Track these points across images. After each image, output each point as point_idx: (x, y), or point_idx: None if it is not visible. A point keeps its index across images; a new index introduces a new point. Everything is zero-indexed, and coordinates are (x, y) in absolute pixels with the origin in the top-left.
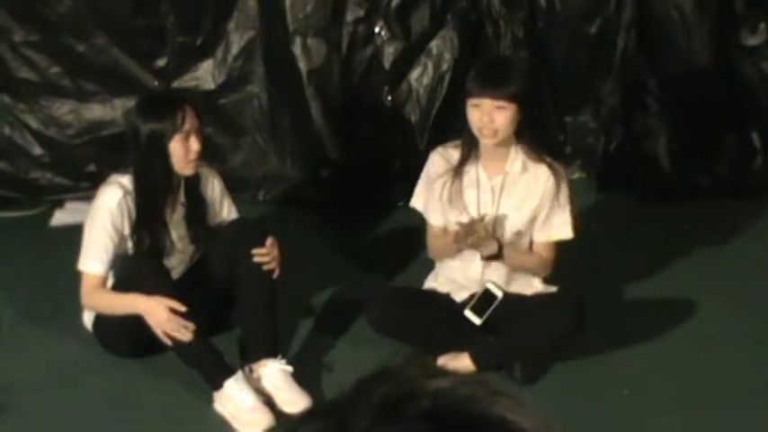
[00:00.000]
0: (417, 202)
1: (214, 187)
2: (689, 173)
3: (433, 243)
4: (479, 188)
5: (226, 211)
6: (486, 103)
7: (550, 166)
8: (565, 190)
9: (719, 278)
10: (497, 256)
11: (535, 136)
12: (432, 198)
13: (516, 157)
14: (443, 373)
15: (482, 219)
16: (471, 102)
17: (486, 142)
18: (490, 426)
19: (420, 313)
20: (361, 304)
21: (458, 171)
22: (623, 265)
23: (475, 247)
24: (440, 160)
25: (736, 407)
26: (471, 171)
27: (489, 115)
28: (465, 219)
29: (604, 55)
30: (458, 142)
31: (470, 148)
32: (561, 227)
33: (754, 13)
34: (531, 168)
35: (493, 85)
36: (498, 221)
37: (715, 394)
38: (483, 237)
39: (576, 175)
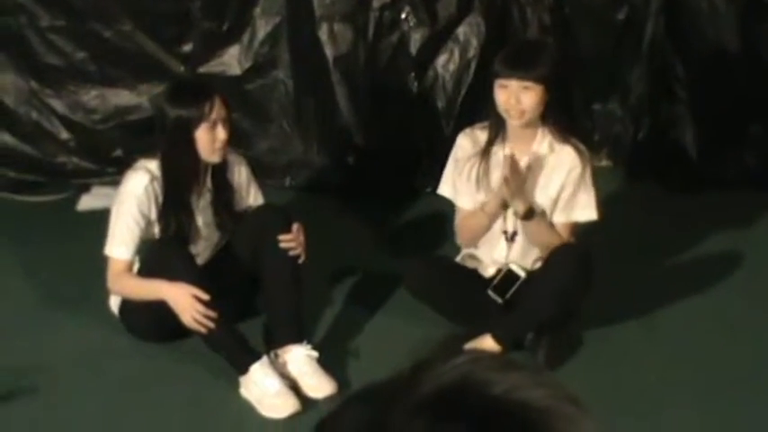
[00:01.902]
0: (445, 188)
1: (241, 173)
2: (715, 162)
3: (463, 224)
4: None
5: (252, 197)
6: (514, 83)
7: (576, 148)
8: (589, 172)
9: (744, 267)
10: (529, 216)
11: (561, 117)
12: (461, 180)
13: (543, 138)
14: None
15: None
16: (499, 82)
17: (513, 123)
18: None
19: (454, 282)
20: (386, 289)
21: (485, 152)
22: (647, 254)
23: (512, 196)
24: (467, 142)
25: (758, 395)
26: (499, 152)
27: (516, 96)
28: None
29: (632, 42)
30: (485, 124)
31: (497, 130)
32: (585, 208)
33: None
34: (558, 149)
35: (520, 66)
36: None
37: (737, 382)
38: (520, 185)
39: (603, 163)
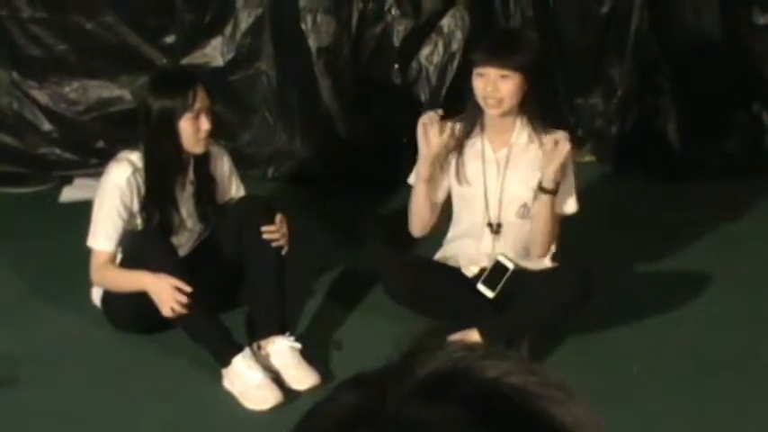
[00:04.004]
0: (414, 178)
1: (223, 165)
2: (698, 151)
3: (411, 206)
4: (484, 160)
5: (234, 188)
6: (491, 72)
7: (555, 140)
8: (569, 163)
9: (728, 257)
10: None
11: (541, 108)
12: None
13: (522, 129)
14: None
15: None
16: (476, 71)
17: (490, 113)
18: (532, 420)
19: (437, 282)
20: (369, 280)
21: (462, 143)
22: (632, 245)
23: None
24: (448, 134)
25: (745, 386)
26: (477, 143)
27: (494, 84)
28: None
29: (616, 36)
30: (461, 116)
31: (474, 120)
32: (566, 200)
33: None
34: (537, 141)
35: (498, 55)
36: (505, 195)
37: (724, 373)
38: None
39: (587, 159)
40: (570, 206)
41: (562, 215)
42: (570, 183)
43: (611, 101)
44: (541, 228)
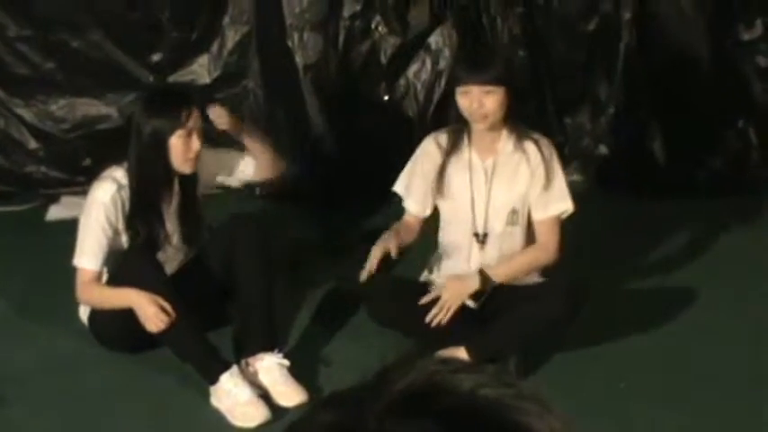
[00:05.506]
0: (399, 186)
1: (209, 165)
2: (685, 168)
3: (400, 228)
4: (471, 170)
5: (236, 158)
6: (475, 89)
7: (537, 143)
8: (555, 163)
9: (716, 272)
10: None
11: (521, 114)
12: (416, 181)
13: (508, 137)
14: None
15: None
16: (460, 89)
17: (478, 127)
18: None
19: (420, 305)
20: (358, 298)
21: (448, 158)
22: (620, 261)
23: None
24: (433, 147)
25: (734, 400)
26: (464, 154)
27: (479, 101)
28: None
29: (604, 54)
30: (452, 127)
31: (461, 135)
32: (559, 199)
33: (751, 8)
34: (521, 147)
35: (480, 71)
36: (492, 203)
37: (712, 387)
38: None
39: (574, 177)
40: (565, 206)
41: (560, 217)
42: (560, 184)
43: (599, 119)
44: (521, 273)
